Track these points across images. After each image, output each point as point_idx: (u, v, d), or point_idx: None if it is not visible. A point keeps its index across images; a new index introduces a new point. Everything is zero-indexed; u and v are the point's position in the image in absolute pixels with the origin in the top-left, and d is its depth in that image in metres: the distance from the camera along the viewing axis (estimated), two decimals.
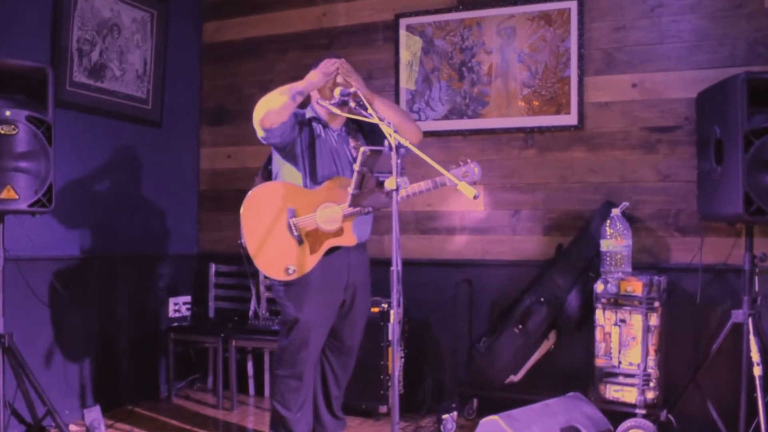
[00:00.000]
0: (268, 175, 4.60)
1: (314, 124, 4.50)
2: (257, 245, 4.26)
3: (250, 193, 4.32)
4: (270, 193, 4.36)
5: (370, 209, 4.38)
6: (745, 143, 4.37)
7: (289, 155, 4.45)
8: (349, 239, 4.40)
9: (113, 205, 6.09)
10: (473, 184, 4.14)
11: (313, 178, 4.40)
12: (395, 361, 3.60)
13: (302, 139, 4.42)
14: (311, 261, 4.31)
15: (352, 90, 4.22)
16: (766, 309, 4.85)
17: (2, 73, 4.36)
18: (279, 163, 4.50)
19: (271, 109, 4.21)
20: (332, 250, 4.39)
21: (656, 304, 4.84)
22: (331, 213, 4.33)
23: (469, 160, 4.34)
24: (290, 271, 4.25)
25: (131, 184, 6.32)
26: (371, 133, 4.64)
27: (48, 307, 5.41)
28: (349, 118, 4.55)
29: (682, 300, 5.25)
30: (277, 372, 4.53)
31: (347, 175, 4.36)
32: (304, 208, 4.31)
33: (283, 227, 4.29)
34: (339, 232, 4.36)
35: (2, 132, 4.25)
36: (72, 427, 5.30)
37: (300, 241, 4.28)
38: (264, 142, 4.36)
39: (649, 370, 4.81)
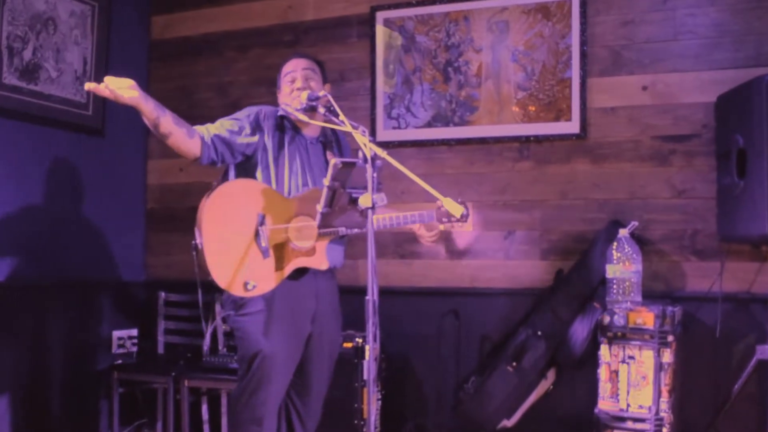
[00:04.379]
0: None
1: (286, 127, 4.45)
2: (216, 249, 4.09)
3: (221, 186, 4.19)
4: (244, 191, 4.24)
5: (347, 233, 4.30)
6: None
7: (252, 164, 4.38)
8: (320, 262, 4.32)
9: (48, 225, 6.00)
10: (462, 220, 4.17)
11: (281, 189, 4.32)
12: (371, 404, 3.57)
13: (269, 145, 4.35)
14: (274, 279, 4.21)
15: (321, 94, 4.16)
16: None
17: None
18: (241, 173, 4.43)
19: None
20: (299, 274, 4.30)
21: (670, 338, 4.78)
22: (306, 228, 4.25)
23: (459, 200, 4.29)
24: (249, 287, 4.11)
25: (69, 201, 6.25)
26: (345, 151, 4.64)
27: None
28: (328, 128, 4.53)
29: (700, 334, 5.24)
30: (235, 417, 4.42)
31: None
32: (278, 216, 4.21)
33: (249, 234, 4.16)
34: (310, 252, 4.28)
35: None
36: None
37: (266, 254, 4.17)
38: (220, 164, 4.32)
39: (662, 414, 4.76)
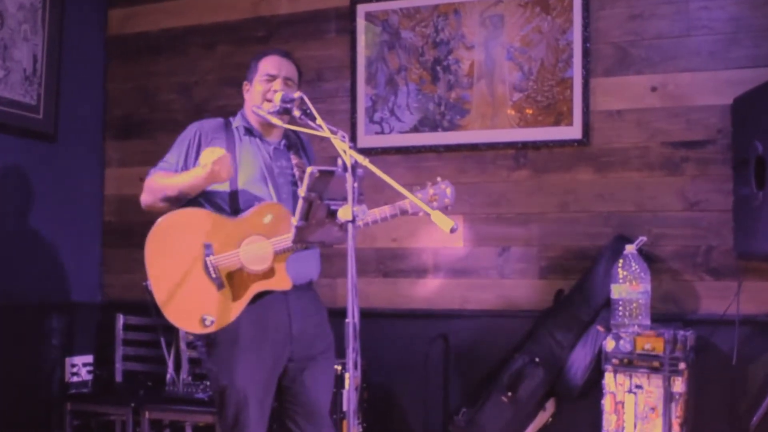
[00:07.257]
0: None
1: (244, 134, 4.43)
2: (166, 289, 4.16)
3: (158, 221, 4.23)
4: (184, 222, 4.27)
5: (313, 245, 4.27)
6: None
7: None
8: (281, 282, 4.29)
9: None
10: (445, 210, 4.02)
11: (235, 204, 4.31)
12: None
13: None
14: (234, 309, 4.22)
15: (296, 95, 4.10)
16: None
17: None
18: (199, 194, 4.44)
19: (153, 206, 4.38)
20: (263, 295, 4.27)
21: (681, 365, 4.77)
22: (258, 249, 4.23)
23: (439, 179, 4.22)
24: (207, 323, 4.15)
25: (16, 213, 6.23)
26: (310, 156, 4.66)
27: None
28: (290, 130, 4.52)
29: (715, 360, 5.24)
30: None
31: (283, 199, 4.35)
32: (226, 242, 4.21)
33: (198, 267, 4.19)
34: (269, 274, 4.26)
35: None
36: None
37: (220, 285, 4.19)
38: None
39: None
